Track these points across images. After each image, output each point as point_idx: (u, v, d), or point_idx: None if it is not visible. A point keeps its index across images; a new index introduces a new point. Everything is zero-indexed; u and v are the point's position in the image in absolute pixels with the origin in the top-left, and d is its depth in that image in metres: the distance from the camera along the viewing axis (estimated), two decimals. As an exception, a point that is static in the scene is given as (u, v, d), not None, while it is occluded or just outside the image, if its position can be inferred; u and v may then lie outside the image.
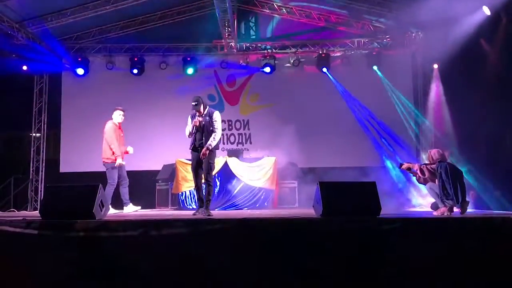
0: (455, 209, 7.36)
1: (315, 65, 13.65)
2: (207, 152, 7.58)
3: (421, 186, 8.60)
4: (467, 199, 7.43)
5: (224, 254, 4.94)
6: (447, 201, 7.31)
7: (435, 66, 12.55)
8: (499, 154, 8.88)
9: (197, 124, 7.65)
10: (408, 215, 7.15)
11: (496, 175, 8.83)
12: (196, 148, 7.72)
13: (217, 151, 7.97)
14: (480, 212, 8.54)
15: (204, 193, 7.77)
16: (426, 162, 8.01)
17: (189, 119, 7.87)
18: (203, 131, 7.69)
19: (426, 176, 7.64)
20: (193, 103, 7.72)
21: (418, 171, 7.75)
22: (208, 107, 7.91)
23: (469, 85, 9.89)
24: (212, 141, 7.63)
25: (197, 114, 7.76)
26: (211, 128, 7.70)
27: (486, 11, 9.79)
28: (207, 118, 7.74)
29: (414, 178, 8.26)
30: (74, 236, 5.04)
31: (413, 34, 13.05)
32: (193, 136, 7.77)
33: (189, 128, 7.80)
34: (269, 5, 13.41)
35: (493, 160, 8.89)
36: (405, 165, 7.95)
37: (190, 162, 8.13)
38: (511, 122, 8.73)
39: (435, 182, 7.58)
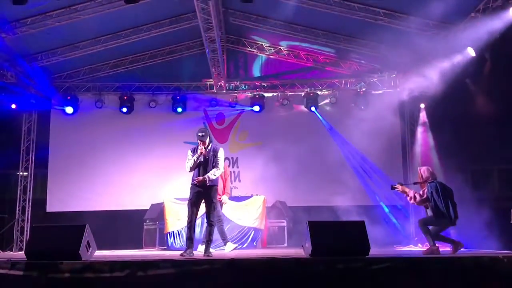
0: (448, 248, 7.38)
1: (303, 104, 13.78)
2: (204, 180, 7.37)
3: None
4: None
5: (212, 295, 4.88)
6: (442, 220, 7.34)
7: (422, 105, 12.73)
8: (486, 192, 8.95)
9: (203, 151, 7.39)
10: (397, 255, 7.12)
11: (482, 214, 8.86)
12: (200, 184, 7.39)
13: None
14: (468, 251, 8.53)
15: (205, 233, 7.61)
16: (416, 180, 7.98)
17: (190, 153, 7.57)
18: (207, 166, 7.44)
19: (418, 200, 7.65)
20: (200, 134, 7.52)
21: (412, 197, 7.70)
22: (212, 142, 7.78)
23: (455, 124, 10.03)
24: (212, 176, 7.44)
25: (200, 146, 7.47)
26: (213, 164, 7.49)
27: (471, 52, 10.02)
28: (211, 153, 7.52)
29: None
30: (59, 277, 4.96)
31: (400, 74, 13.27)
32: (196, 170, 7.48)
33: (190, 162, 7.47)
34: (258, 45, 13.61)
35: (480, 198, 8.95)
36: (400, 188, 7.87)
37: (179, 202, 7.87)
38: (498, 161, 8.83)
39: (426, 207, 7.62)
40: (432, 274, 5.06)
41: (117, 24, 11.80)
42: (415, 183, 7.92)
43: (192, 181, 7.54)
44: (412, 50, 10.36)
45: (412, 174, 12.78)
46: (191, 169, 7.52)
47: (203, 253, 7.44)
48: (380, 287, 4.97)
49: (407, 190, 7.82)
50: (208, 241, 7.46)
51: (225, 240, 9.10)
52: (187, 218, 7.49)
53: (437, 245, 7.33)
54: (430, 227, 7.46)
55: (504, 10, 8.87)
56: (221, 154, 7.64)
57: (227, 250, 8.95)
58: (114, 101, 13.71)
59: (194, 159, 7.47)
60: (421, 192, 7.63)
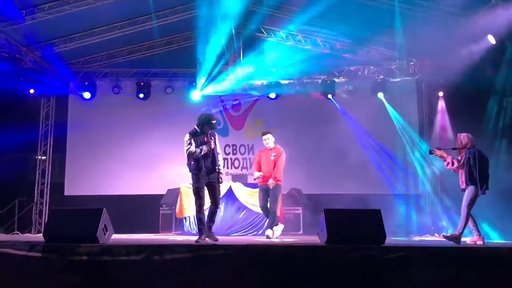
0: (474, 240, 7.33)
1: (320, 92, 13.69)
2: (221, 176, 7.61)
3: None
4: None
5: (227, 280, 4.90)
6: (472, 186, 7.36)
7: (441, 93, 12.59)
8: (508, 184, 8.83)
9: (212, 146, 7.36)
10: (413, 244, 7.09)
11: (502, 205, 8.75)
12: (209, 171, 7.38)
13: (222, 175, 7.79)
14: (487, 241, 8.47)
15: (208, 219, 7.51)
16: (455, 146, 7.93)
17: (190, 138, 7.35)
18: (211, 153, 7.42)
19: (455, 166, 7.62)
20: (214, 121, 7.51)
21: (450, 162, 7.67)
22: None
23: (475, 112, 9.91)
24: (221, 166, 7.61)
25: (210, 142, 7.39)
26: (216, 151, 7.52)
27: (491, 39, 9.86)
28: (212, 138, 7.49)
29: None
30: (77, 260, 5.03)
31: (418, 62, 13.11)
32: (202, 160, 7.32)
33: (198, 152, 7.25)
34: (274, 31, 13.52)
35: (500, 189, 8.83)
36: (438, 153, 7.85)
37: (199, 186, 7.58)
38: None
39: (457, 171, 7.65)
40: (449, 264, 5.03)
41: (134, 10, 11.82)
42: (453, 149, 7.91)
43: (200, 169, 7.32)
44: (431, 37, 10.22)
45: (429, 163, 12.67)
46: (194, 159, 7.33)
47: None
48: (395, 276, 4.96)
49: (445, 155, 7.79)
50: (211, 224, 7.49)
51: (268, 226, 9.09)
52: (199, 206, 7.36)
53: (462, 236, 7.30)
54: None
55: (526, -3, 8.71)
56: (217, 139, 7.66)
57: (277, 234, 8.96)
58: (131, 87, 13.79)
59: (203, 150, 7.30)
60: (459, 158, 7.63)
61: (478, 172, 7.33)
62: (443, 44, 10.59)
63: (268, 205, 8.99)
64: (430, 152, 8.06)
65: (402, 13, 10.55)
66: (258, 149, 13.48)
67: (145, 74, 13.75)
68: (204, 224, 7.39)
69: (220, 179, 7.60)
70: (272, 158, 9.08)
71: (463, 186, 7.54)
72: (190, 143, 7.36)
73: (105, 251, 5.08)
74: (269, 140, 9.21)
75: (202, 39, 13.43)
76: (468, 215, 7.37)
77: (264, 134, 9.32)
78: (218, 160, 7.56)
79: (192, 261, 4.98)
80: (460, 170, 7.58)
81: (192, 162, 7.38)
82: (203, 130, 7.46)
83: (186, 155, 7.39)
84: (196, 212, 7.47)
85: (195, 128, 7.51)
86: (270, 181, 8.90)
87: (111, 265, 4.99)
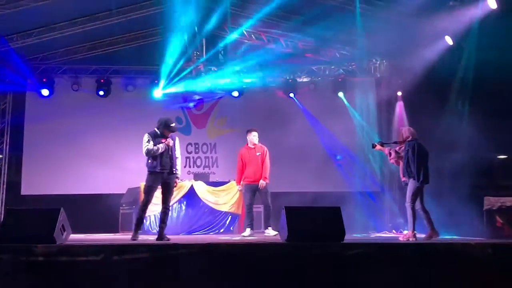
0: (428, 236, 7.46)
1: (282, 90, 13.77)
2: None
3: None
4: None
5: (188, 279, 4.88)
6: (408, 179, 7.52)
7: (399, 93, 12.83)
8: (460, 180, 9.05)
9: (169, 144, 7.50)
10: (372, 241, 7.21)
11: (457, 201, 8.97)
12: (165, 171, 7.52)
13: (183, 174, 7.94)
14: (442, 237, 8.66)
15: (160, 220, 7.71)
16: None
17: (148, 138, 7.51)
18: (170, 154, 7.55)
19: (392, 156, 7.87)
20: (173, 125, 7.68)
21: (388, 153, 7.98)
22: None
23: (432, 112, 10.12)
24: (179, 171, 7.75)
25: (168, 139, 7.56)
26: (174, 153, 7.64)
27: (449, 41, 10.09)
28: (171, 141, 7.63)
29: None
30: (33, 261, 4.91)
31: (378, 62, 13.34)
32: (159, 158, 7.47)
33: (155, 150, 7.40)
34: (237, 30, 13.49)
35: (455, 186, 9.06)
36: (377, 147, 8.22)
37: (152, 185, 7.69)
38: (472, 150, 8.95)
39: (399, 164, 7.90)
40: (407, 259, 5.14)
41: (95, 6, 11.61)
42: (395, 142, 8.18)
43: (155, 167, 7.50)
44: (390, 38, 10.38)
45: (386, 162, 12.86)
46: (153, 157, 7.50)
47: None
48: (355, 272, 5.03)
49: (382, 149, 8.18)
50: (163, 226, 7.58)
51: (266, 224, 9.30)
52: (144, 204, 7.63)
53: (415, 232, 7.42)
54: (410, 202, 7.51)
55: (482, -1, 8.94)
56: (178, 143, 7.83)
57: (272, 234, 8.97)
58: (91, 84, 13.53)
59: (159, 148, 7.45)
60: (397, 148, 7.84)
61: (416, 165, 7.44)
62: (402, 45, 10.78)
63: (263, 205, 9.41)
64: (372, 146, 8.35)
65: (363, 14, 10.69)
66: (221, 148, 13.65)
67: (105, 71, 13.52)
68: (143, 223, 7.81)
69: (175, 183, 7.76)
70: (258, 155, 9.24)
71: (403, 179, 7.75)
72: (148, 142, 7.51)
73: (62, 252, 4.98)
74: (256, 137, 9.38)
75: (164, 36, 13.35)
76: (413, 210, 7.51)
77: (252, 130, 9.46)
78: (177, 164, 7.68)
79: (153, 260, 4.94)
80: (401, 163, 7.80)
81: (149, 161, 7.54)
82: (163, 133, 7.62)
83: (144, 153, 7.53)
84: (139, 209, 7.66)
85: (155, 130, 7.65)
86: (261, 182, 9.14)
87: (69, 266, 4.90)
